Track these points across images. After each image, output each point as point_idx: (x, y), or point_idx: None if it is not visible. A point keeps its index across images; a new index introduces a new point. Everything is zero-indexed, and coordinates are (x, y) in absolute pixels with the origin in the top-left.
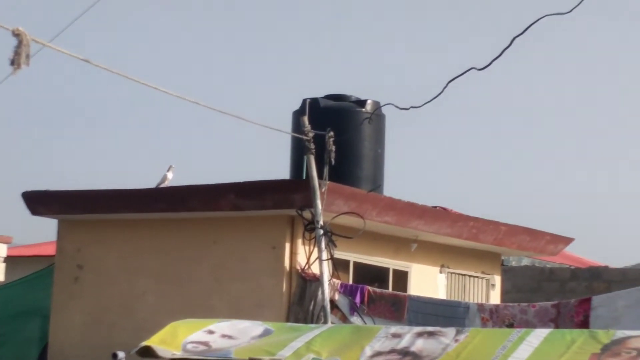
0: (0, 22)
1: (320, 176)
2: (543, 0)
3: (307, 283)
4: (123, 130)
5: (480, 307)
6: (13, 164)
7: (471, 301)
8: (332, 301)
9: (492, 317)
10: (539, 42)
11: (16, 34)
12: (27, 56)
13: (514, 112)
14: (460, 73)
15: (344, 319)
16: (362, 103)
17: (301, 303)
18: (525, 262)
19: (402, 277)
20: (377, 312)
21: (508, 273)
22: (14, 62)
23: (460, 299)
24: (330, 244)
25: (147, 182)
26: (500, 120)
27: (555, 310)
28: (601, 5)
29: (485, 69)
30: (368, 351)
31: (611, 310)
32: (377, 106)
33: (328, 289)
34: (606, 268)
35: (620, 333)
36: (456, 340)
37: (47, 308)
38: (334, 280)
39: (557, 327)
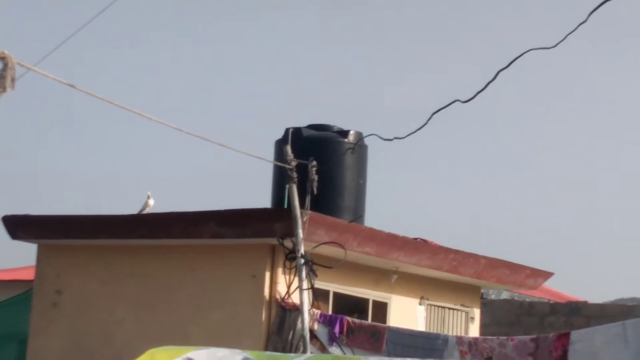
0: None
1: (302, 205)
2: (528, 34)
3: (286, 312)
4: (103, 155)
5: (459, 340)
6: None
7: (450, 334)
8: (311, 331)
9: (471, 350)
10: (524, 76)
11: (1, 57)
12: (12, 79)
13: (496, 145)
14: (444, 105)
15: (323, 349)
16: (344, 133)
17: (280, 332)
18: (505, 295)
19: (381, 308)
20: (356, 342)
21: (487, 306)
22: (0, 86)
23: (439, 331)
24: (311, 273)
25: (127, 208)
26: (482, 154)
27: (534, 344)
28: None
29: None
30: None
31: (589, 345)
32: (359, 137)
33: (308, 319)
34: (585, 303)
35: None
36: None
37: (25, 333)
38: (314, 310)
39: None
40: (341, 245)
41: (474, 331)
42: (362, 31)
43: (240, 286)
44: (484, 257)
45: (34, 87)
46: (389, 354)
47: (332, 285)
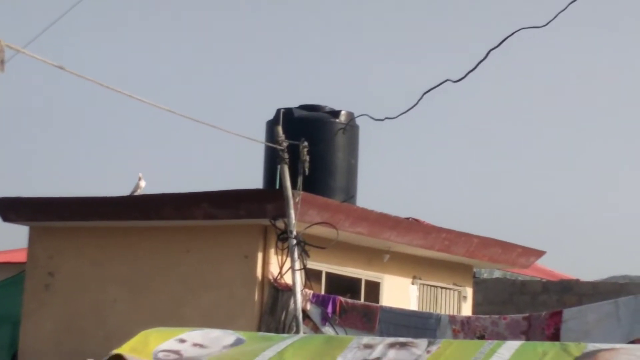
0: None
1: (293, 186)
2: (520, 13)
3: (279, 293)
4: (96, 137)
5: (452, 319)
6: None
7: (443, 313)
8: (304, 311)
9: (464, 328)
10: (515, 54)
11: None
12: (2, 62)
13: (487, 123)
14: (435, 85)
15: (316, 329)
16: (336, 114)
17: (273, 313)
18: (497, 274)
19: (374, 288)
20: (349, 322)
21: (480, 285)
22: None
23: (431, 311)
24: (303, 254)
25: (119, 189)
26: (473, 133)
27: (527, 322)
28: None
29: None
30: None
31: (582, 323)
32: (351, 117)
33: (300, 299)
34: (577, 281)
35: (592, 346)
36: (428, 352)
37: (18, 315)
38: (306, 290)
39: (528, 339)
40: (333, 226)
41: (467, 310)
42: (353, 13)
43: (232, 267)
44: (476, 236)
45: (23, 69)
46: (381, 334)
47: (325, 266)
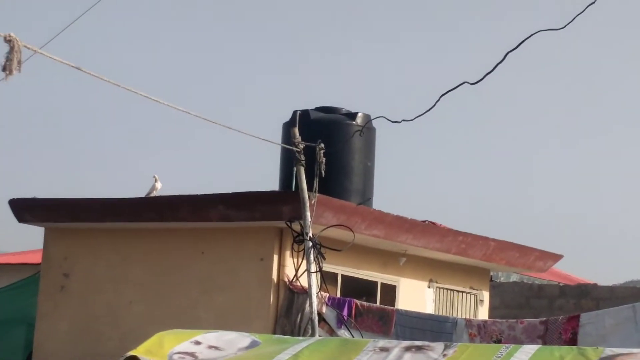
0: None
1: (309, 188)
2: (537, 16)
3: (294, 295)
4: (111, 138)
5: (468, 323)
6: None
7: (459, 316)
8: (319, 314)
9: (480, 332)
10: (529, 58)
11: (8, 40)
12: (19, 62)
13: (507, 128)
14: (453, 87)
15: (331, 332)
16: (352, 116)
17: (288, 315)
18: (514, 278)
19: (390, 291)
20: (365, 325)
21: (496, 289)
22: (6, 68)
23: (448, 314)
24: (319, 256)
25: (134, 191)
26: (493, 136)
27: (544, 327)
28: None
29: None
30: None
31: (599, 327)
32: (367, 119)
33: (316, 302)
34: (595, 285)
35: (609, 351)
36: (444, 355)
37: (33, 316)
38: (322, 293)
39: (545, 343)
40: (349, 228)
41: (483, 314)
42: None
43: (248, 269)
44: (493, 240)
45: (41, 70)
46: (397, 337)
47: (341, 268)
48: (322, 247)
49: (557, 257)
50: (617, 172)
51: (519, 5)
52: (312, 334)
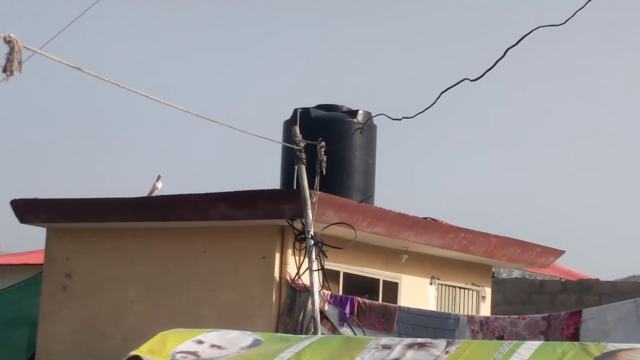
0: None
1: (311, 186)
2: (538, 12)
3: (297, 293)
4: (112, 138)
5: (471, 319)
6: (2, 171)
7: (461, 313)
8: (321, 312)
9: (482, 329)
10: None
11: (8, 41)
12: (19, 63)
13: (508, 123)
14: (453, 84)
15: (334, 330)
16: (353, 113)
17: (291, 313)
18: (516, 274)
19: (392, 288)
20: (367, 323)
21: (498, 285)
22: (6, 69)
23: (450, 311)
24: (321, 254)
25: (136, 191)
26: (494, 133)
27: (546, 322)
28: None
29: (479, 80)
30: None
31: (601, 323)
32: (368, 117)
33: (318, 300)
34: (597, 281)
35: (611, 346)
36: (447, 352)
37: (35, 316)
38: (324, 290)
39: (547, 339)
40: (351, 226)
41: (485, 310)
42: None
43: (250, 268)
44: (495, 236)
45: (41, 70)
46: (400, 334)
47: (342, 266)
48: (323, 245)
49: (558, 253)
50: (619, 167)
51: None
52: (315, 332)
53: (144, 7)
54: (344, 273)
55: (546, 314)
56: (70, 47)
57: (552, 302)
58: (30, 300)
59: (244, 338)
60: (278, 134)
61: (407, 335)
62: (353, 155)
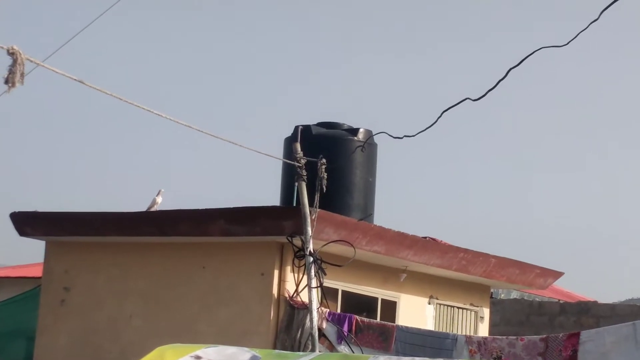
0: None
1: (311, 203)
2: (540, 33)
3: (295, 310)
4: (113, 152)
5: (469, 339)
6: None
7: (459, 333)
8: (319, 329)
9: (480, 349)
10: (524, 76)
11: (11, 53)
12: (22, 75)
13: (505, 145)
14: (455, 103)
15: (331, 348)
16: (354, 131)
17: (289, 330)
18: (515, 295)
19: (390, 307)
20: (365, 341)
21: (497, 306)
22: (9, 81)
23: (448, 331)
24: (320, 271)
25: (136, 205)
26: (492, 154)
27: (544, 344)
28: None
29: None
30: None
31: (599, 345)
32: (369, 135)
33: (316, 317)
34: (595, 303)
35: None
36: None
37: (33, 329)
38: (322, 308)
39: None
40: (350, 244)
41: (484, 331)
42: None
43: (249, 284)
44: (494, 257)
45: (43, 83)
46: (397, 353)
47: (341, 284)
48: (322, 263)
49: (557, 275)
50: (618, 189)
51: (521, 24)
52: (312, 350)
53: (141, 18)
54: (343, 291)
55: (544, 336)
56: (76, 57)
57: (551, 323)
58: (28, 313)
59: (242, 354)
60: (279, 151)
61: (405, 355)
62: (353, 173)
